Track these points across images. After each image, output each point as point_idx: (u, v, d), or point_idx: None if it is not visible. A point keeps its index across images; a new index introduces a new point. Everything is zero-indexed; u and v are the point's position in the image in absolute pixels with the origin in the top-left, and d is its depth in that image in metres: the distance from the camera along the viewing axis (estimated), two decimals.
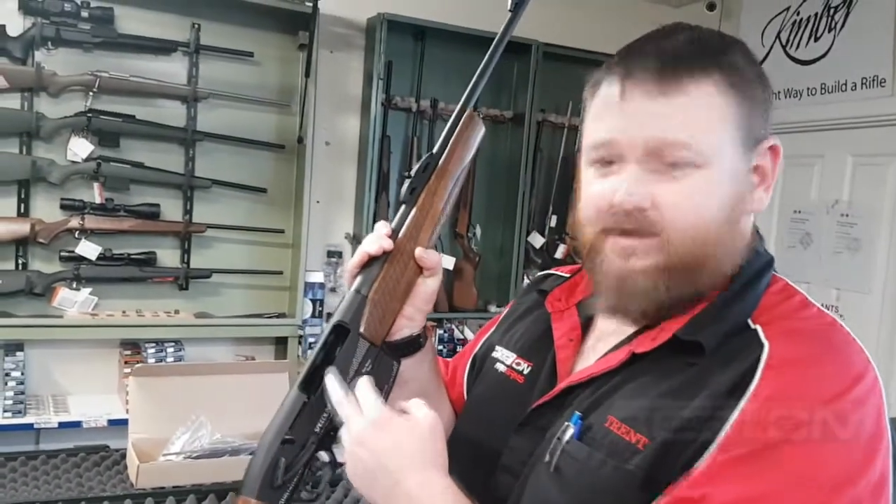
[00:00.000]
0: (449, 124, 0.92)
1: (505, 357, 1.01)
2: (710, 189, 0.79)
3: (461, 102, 0.92)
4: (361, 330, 0.89)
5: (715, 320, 0.80)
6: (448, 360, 1.17)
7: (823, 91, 3.19)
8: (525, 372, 0.97)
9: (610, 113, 0.81)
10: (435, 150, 0.92)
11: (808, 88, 3.25)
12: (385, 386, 0.90)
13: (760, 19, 3.53)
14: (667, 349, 0.81)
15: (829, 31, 3.18)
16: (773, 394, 0.72)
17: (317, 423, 0.88)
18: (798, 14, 3.34)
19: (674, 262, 0.79)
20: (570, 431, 0.82)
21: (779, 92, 3.35)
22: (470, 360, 1.11)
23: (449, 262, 3.33)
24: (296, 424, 0.87)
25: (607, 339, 0.90)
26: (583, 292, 0.97)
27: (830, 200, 3.19)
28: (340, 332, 0.89)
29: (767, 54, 3.47)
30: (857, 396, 0.73)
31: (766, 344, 0.76)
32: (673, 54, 0.79)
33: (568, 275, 1.04)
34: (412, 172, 0.92)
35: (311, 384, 0.88)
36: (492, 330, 1.11)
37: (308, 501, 0.89)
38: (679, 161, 0.78)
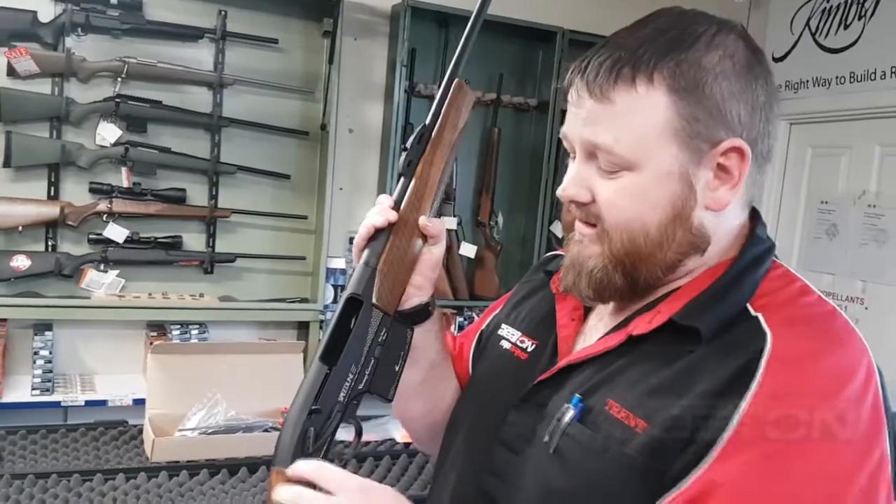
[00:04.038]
0: (439, 94, 0.93)
1: (510, 335, 1.02)
2: (642, 190, 0.80)
3: (448, 71, 0.93)
4: (374, 300, 0.90)
5: (713, 306, 0.81)
6: (456, 335, 1.19)
7: (853, 80, 3.14)
8: (529, 349, 0.98)
9: (568, 110, 0.86)
10: (427, 121, 0.93)
11: (836, 77, 3.19)
12: (401, 352, 0.92)
13: (790, 7, 3.47)
14: (666, 333, 0.81)
15: (859, 19, 3.13)
16: (778, 390, 0.72)
17: (340, 393, 0.89)
18: (828, 1, 3.29)
19: (615, 253, 0.83)
20: (571, 413, 0.83)
21: (807, 81, 3.30)
22: (476, 336, 1.12)
23: (470, 250, 3.34)
24: (321, 395, 0.88)
25: (607, 319, 0.92)
26: None
27: (857, 191, 3.14)
28: (354, 305, 0.90)
29: (797, 42, 3.42)
30: (858, 389, 0.74)
31: (769, 334, 0.76)
32: (609, 64, 0.80)
33: None
34: (408, 144, 0.93)
35: (332, 355, 0.89)
36: (499, 308, 1.12)
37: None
38: (606, 164, 0.81)
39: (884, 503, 0.72)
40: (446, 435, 1.04)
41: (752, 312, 0.79)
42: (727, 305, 0.80)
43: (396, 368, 0.92)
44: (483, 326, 1.13)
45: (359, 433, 0.92)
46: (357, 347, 0.90)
